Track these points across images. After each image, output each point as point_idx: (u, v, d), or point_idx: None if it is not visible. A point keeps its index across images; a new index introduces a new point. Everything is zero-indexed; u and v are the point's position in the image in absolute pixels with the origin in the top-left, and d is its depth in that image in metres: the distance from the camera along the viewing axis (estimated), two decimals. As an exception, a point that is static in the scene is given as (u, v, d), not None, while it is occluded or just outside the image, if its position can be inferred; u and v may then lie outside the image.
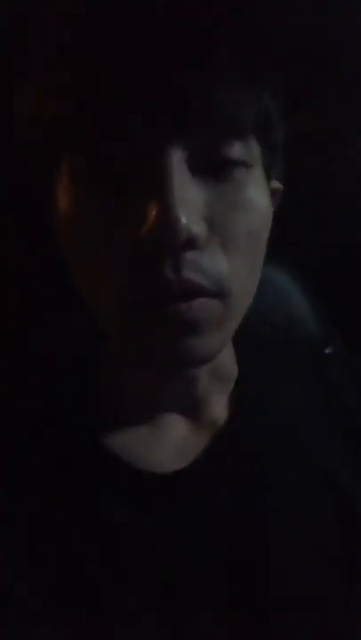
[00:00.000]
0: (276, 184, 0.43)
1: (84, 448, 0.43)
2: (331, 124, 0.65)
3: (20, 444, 0.43)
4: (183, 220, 0.32)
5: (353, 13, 0.57)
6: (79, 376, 0.47)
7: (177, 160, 0.33)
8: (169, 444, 0.44)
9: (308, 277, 0.66)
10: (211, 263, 0.35)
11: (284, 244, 0.63)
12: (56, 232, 0.39)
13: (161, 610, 0.39)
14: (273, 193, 0.42)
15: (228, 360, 0.47)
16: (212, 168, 0.35)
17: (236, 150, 0.35)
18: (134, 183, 0.34)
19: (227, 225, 0.36)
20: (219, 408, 0.45)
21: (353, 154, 0.68)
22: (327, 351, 0.51)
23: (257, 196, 0.37)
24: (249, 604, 0.40)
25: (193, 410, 0.45)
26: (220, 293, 0.36)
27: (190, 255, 0.34)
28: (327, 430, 0.46)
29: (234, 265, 0.36)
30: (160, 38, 0.33)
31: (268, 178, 0.40)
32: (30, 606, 0.38)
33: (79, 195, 0.36)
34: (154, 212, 0.32)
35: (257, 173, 0.38)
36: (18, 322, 0.57)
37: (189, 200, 0.33)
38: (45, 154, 0.37)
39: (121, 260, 0.35)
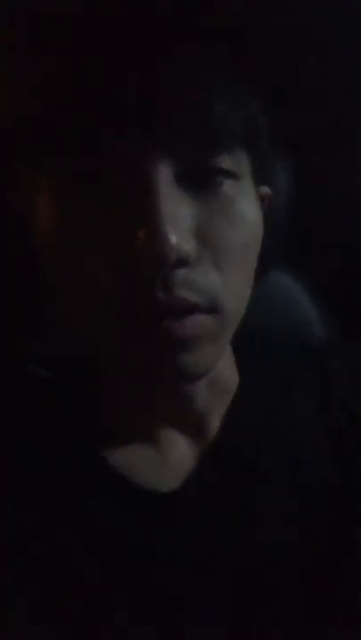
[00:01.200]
0: (264, 190, 0.42)
1: (85, 463, 0.43)
2: (332, 125, 0.64)
3: (19, 459, 0.43)
4: (173, 239, 0.31)
5: (344, 12, 0.56)
6: (79, 389, 0.47)
7: (164, 176, 0.33)
8: (170, 459, 0.43)
9: (313, 281, 0.65)
10: (203, 279, 0.34)
11: (290, 247, 0.62)
12: (38, 249, 0.39)
13: (160, 624, 0.39)
14: (262, 198, 0.42)
15: (227, 369, 0.46)
16: (201, 182, 0.35)
17: (224, 163, 0.35)
18: (122, 201, 0.33)
19: (218, 239, 0.35)
20: (217, 420, 0.45)
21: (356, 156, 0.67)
22: (331, 356, 0.50)
23: (247, 208, 0.37)
24: (248, 618, 0.39)
25: (193, 424, 0.44)
26: (212, 309, 0.35)
27: (181, 273, 0.33)
28: (329, 440, 0.45)
29: (226, 280, 0.36)
30: (142, 52, 0.33)
31: (258, 185, 0.40)
32: (29, 622, 0.38)
33: (64, 211, 0.35)
34: (143, 233, 0.32)
35: (246, 184, 0.37)
36: (16, 334, 0.56)
37: (178, 218, 0.33)
38: (23, 167, 0.37)
39: (110, 279, 0.34)
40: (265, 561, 0.41)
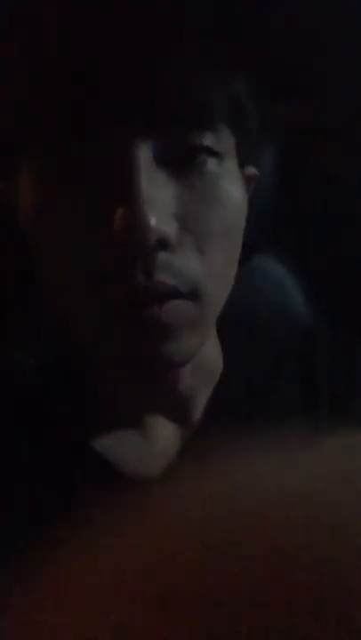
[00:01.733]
0: (250, 170, 0.41)
1: (71, 449, 0.42)
2: (327, 116, 0.63)
3: (5, 447, 0.42)
4: (152, 221, 0.31)
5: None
6: (66, 376, 0.46)
7: (145, 157, 0.32)
8: (156, 445, 0.43)
9: (302, 268, 0.65)
10: (184, 264, 0.34)
11: (279, 233, 0.62)
12: (24, 232, 0.38)
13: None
14: (248, 179, 0.41)
15: (212, 354, 0.46)
16: (183, 161, 0.34)
17: (206, 140, 0.34)
18: (104, 183, 0.33)
19: (200, 222, 0.34)
20: (202, 405, 0.45)
21: (351, 145, 0.67)
22: (317, 341, 0.50)
23: (231, 188, 0.36)
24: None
25: (179, 409, 0.44)
26: (193, 294, 0.35)
27: (162, 257, 0.33)
28: (315, 424, 0.44)
29: (208, 263, 0.35)
30: (118, 28, 0.32)
31: (243, 166, 0.39)
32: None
33: (47, 195, 0.35)
34: (122, 214, 0.31)
35: (230, 164, 0.37)
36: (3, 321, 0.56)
37: (159, 199, 0.32)
38: (6, 153, 0.36)
39: (91, 262, 0.34)
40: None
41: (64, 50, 0.32)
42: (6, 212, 0.38)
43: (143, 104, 0.32)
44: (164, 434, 0.44)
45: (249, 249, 0.49)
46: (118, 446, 0.43)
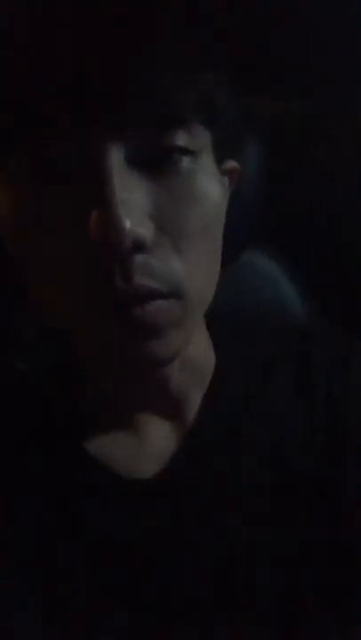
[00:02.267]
0: (231, 164, 0.41)
1: (64, 450, 0.43)
2: (311, 108, 0.63)
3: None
4: (127, 223, 0.31)
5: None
6: (58, 378, 0.46)
7: (117, 158, 0.32)
8: (150, 445, 0.43)
9: (295, 264, 0.64)
10: (162, 265, 0.34)
11: (272, 230, 0.61)
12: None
13: (142, 612, 0.39)
14: (229, 173, 0.40)
15: (202, 351, 0.46)
16: (157, 161, 0.34)
17: (179, 139, 0.33)
18: (77, 183, 0.33)
19: (177, 221, 0.34)
20: (196, 404, 0.44)
21: (337, 137, 0.66)
22: (310, 338, 0.49)
23: (207, 185, 0.36)
24: (230, 605, 0.40)
25: (171, 408, 0.44)
26: (175, 294, 0.34)
27: (139, 259, 0.33)
28: (307, 423, 0.44)
29: (188, 262, 0.35)
30: (87, 27, 0.31)
31: (221, 161, 0.38)
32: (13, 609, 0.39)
33: (21, 196, 0.34)
34: (97, 218, 0.31)
35: (206, 161, 0.36)
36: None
37: (133, 201, 0.32)
38: None
39: (69, 265, 0.33)
40: (247, 547, 0.41)
41: (33, 50, 0.32)
42: None
43: (114, 105, 0.31)
44: (159, 434, 0.44)
45: (239, 245, 0.49)
46: (113, 447, 0.43)
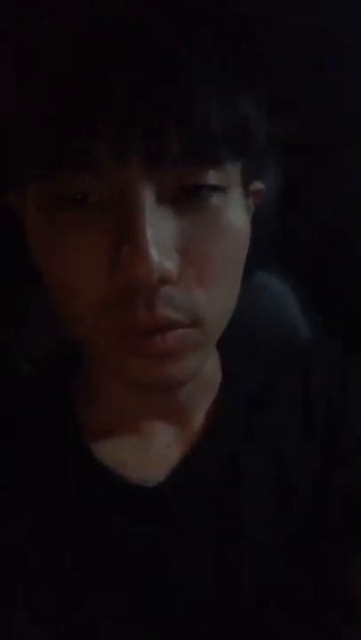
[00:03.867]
0: (257, 185, 0.41)
1: (71, 455, 0.43)
2: (330, 130, 0.64)
3: (5, 452, 0.43)
4: (155, 259, 0.31)
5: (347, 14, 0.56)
6: (66, 383, 0.47)
7: (148, 196, 0.32)
8: (155, 453, 0.44)
9: (304, 285, 0.65)
10: (185, 296, 0.34)
11: (282, 251, 0.62)
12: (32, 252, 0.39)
13: (147, 617, 0.40)
14: (254, 193, 0.41)
15: (211, 368, 0.47)
16: (187, 198, 0.34)
17: (210, 177, 0.34)
18: (106, 220, 0.33)
19: (203, 254, 0.35)
20: (202, 416, 0.45)
21: (354, 161, 0.67)
22: (314, 358, 0.50)
23: (235, 218, 0.36)
24: (236, 609, 0.41)
25: (178, 417, 0.45)
26: (195, 323, 0.35)
27: (164, 291, 0.33)
28: (306, 438, 0.46)
29: (210, 293, 0.35)
30: (123, 65, 0.31)
31: (248, 183, 0.39)
32: (18, 616, 0.39)
33: (54, 224, 0.35)
34: (127, 255, 0.32)
35: (235, 194, 0.37)
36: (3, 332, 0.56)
37: (161, 236, 0.32)
38: (13, 178, 0.36)
39: (93, 291, 0.34)
40: (251, 554, 0.42)
41: (64, 87, 0.31)
42: (16, 221, 0.39)
43: (154, 145, 0.31)
44: (164, 442, 0.44)
45: (254, 265, 0.49)
46: (118, 452, 0.43)
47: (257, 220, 0.42)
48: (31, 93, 0.33)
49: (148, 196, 0.32)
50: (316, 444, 0.45)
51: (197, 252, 0.34)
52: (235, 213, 0.36)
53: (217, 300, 0.36)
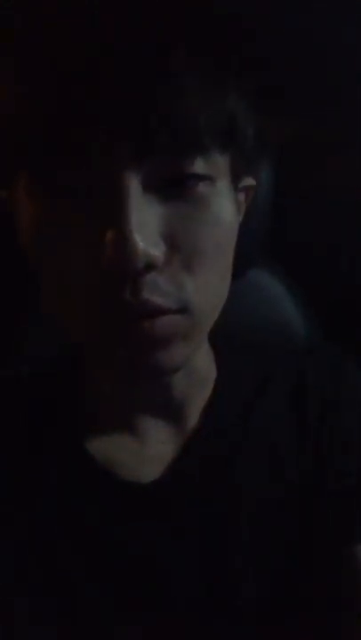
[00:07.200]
0: (248, 181, 0.41)
1: (65, 452, 0.43)
2: (326, 130, 0.64)
3: (7, 453, 0.43)
4: (141, 245, 0.32)
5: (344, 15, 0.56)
6: (61, 381, 0.47)
7: (135, 182, 0.33)
8: (150, 450, 0.44)
9: (300, 284, 0.65)
10: (170, 283, 0.35)
11: (276, 249, 0.62)
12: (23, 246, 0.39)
13: (141, 615, 0.40)
14: (245, 190, 0.41)
15: (204, 364, 0.47)
16: (174, 186, 0.34)
17: (197, 166, 0.34)
18: (92, 206, 0.34)
19: (189, 242, 0.35)
20: (197, 413, 0.45)
21: (350, 161, 0.67)
22: (308, 355, 0.50)
23: (221, 208, 0.37)
24: (230, 605, 0.41)
25: (173, 414, 0.45)
26: (183, 310, 0.35)
27: (149, 277, 0.34)
28: (297, 437, 0.46)
29: (198, 280, 0.36)
30: (108, 57, 0.32)
31: (238, 179, 0.39)
32: (15, 612, 0.40)
33: (41, 210, 0.35)
34: (111, 239, 0.32)
35: (223, 185, 0.37)
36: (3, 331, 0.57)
37: (147, 223, 0.33)
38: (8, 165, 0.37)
39: (82, 281, 0.35)
40: (245, 551, 0.42)
41: (64, 81, 0.32)
42: (10, 219, 0.39)
43: (139, 134, 0.32)
44: (159, 438, 0.45)
45: (246, 261, 0.50)
46: (113, 449, 0.44)
47: (253, 220, 0.42)
48: (27, 95, 0.34)
49: (133, 184, 0.33)
50: (310, 443, 0.45)
51: (184, 240, 0.35)
52: (221, 204, 0.36)
53: (205, 287, 0.36)
